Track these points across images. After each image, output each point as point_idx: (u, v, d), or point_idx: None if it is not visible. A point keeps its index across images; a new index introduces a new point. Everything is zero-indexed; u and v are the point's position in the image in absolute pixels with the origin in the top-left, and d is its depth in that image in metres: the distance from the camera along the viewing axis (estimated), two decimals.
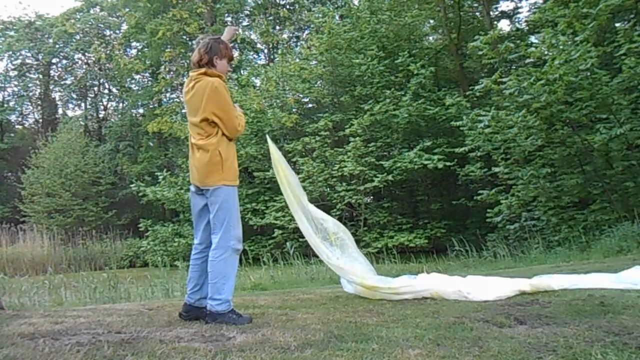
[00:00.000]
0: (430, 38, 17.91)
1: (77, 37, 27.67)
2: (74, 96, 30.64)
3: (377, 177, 12.80)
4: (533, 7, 15.12)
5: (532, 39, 13.82)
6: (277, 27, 23.64)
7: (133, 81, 27.11)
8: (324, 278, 7.47)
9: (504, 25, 18.30)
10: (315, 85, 16.88)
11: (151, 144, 24.73)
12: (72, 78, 30.02)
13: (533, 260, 7.98)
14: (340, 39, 15.06)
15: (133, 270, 13.94)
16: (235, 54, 27.44)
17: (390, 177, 12.80)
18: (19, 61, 28.88)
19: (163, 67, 14.75)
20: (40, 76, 29.72)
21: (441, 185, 15.98)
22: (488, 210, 11.09)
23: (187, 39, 20.02)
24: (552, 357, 2.25)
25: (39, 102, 30.38)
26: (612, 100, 8.87)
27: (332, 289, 5.11)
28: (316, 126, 14.59)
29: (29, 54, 29.05)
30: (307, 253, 10.91)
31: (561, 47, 8.69)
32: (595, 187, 9.65)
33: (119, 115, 28.15)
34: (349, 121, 14.28)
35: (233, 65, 3.40)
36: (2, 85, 29.12)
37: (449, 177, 14.59)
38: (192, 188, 3.38)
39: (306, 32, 24.43)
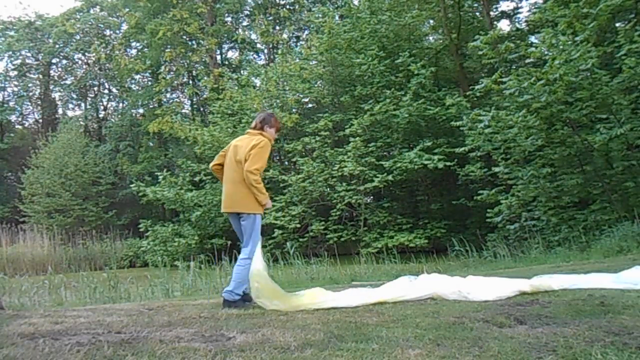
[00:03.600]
0: (430, 38, 17.89)
1: (77, 37, 27.69)
2: (74, 96, 30.65)
3: (377, 177, 12.80)
4: (533, 7, 15.13)
5: (532, 39, 13.81)
6: (277, 27, 23.64)
7: (133, 81, 27.12)
8: (324, 278, 7.47)
9: (504, 25, 18.32)
10: (315, 85, 16.87)
11: (151, 144, 24.74)
12: (72, 78, 30.03)
13: (533, 260, 7.99)
14: (340, 39, 15.04)
15: (133, 270, 13.94)
16: (235, 54, 27.25)
17: (390, 177, 12.79)
18: (19, 61, 28.88)
19: (163, 67, 14.76)
20: (40, 76, 29.72)
21: (441, 185, 15.97)
22: (488, 210, 11.08)
23: (187, 39, 20.05)
24: (552, 357, 2.25)
25: (39, 102, 30.38)
26: (612, 100, 8.87)
27: (332, 288, 5.10)
28: (316, 126, 14.58)
29: (29, 54, 29.06)
30: (307, 253, 10.93)
31: (561, 47, 8.69)
32: (595, 187, 9.65)
33: (119, 115, 28.16)
34: (349, 121, 14.27)
35: (278, 134, 4.64)
36: (2, 85, 29.13)
37: (449, 177, 14.58)
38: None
39: (306, 32, 24.44)
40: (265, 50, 26.18)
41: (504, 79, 9.85)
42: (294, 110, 16.26)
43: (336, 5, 21.49)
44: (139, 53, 24.39)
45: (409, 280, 4.35)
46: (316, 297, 3.82)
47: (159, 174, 16.80)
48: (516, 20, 17.44)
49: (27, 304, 6.73)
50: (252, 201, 4.04)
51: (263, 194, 4.07)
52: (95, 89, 30.45)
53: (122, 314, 3.58)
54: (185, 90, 24.85)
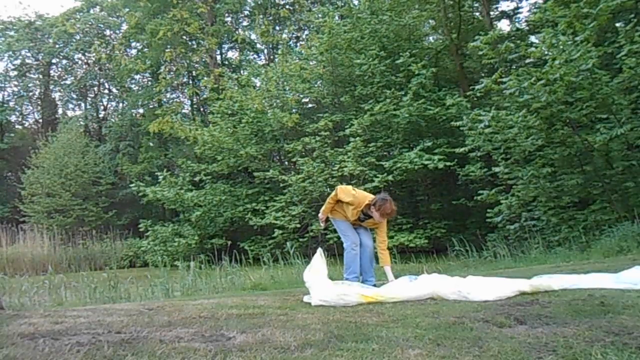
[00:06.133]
0: (431, 38, 17.88)
1: (77, 37, 27.69)
2: (74, 96, 30.65)
3: (377, 177, 12.79)
4: (533, 7, 15.11)
5: (532, 39, 13.80)
6: (277, 27, 23.63)
7: (133, 81, 27.13)
8: None
9: (504, 25, 18.30)
10: (315, 85, 16.86)
11: (151, 144, 24.74)
12: (72, 78, 30.03)
13: (533, 260, 7.98)
14: (341, 39, 15.04)
15: (133, 270, 13.94)
16: (235, 54, 27.14)
17: (390, 177, 12.79)
18: (19, 61, 28.88)
19: (163, 67, 14.74)
20: (40, 76, 29.72)
21: (441, 185, 15.96)
22: (488, 210, 11.08)
23: (187, 39, 20.03)
24: (552, 357, 2.25)
25: (39, 102, 30.38)
26: (612, 100, 8.86)
27: None
28: (316, 126, 14.57)
29: (29, 54, 29.06)
30: (307, 253, 10.90)
31: (561, 47, 8.69)
32: (595, 187, 9.64)
33: (119, 115, 28.17)
34: (349, 121, 14.26)
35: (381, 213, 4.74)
36: (2, 85, 29.13)
37: (449, 177, 14.57)
38: None
39: (306, 32, 24.43)
40: (265, 51, 26.17)
41: (504, 79, 9.84)
42: (294, 110, 16.25)
43: (336, 6, 21.50)
44: (139, 53, 24.38)
45: (409, 280, 4.35)
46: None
47: (159, 174, 16.79)
48: (516, 20, 17.41)
49: (27, 304, 6.73)
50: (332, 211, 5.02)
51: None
52: (95, 89, 30.45)
53: (122, 314, 3.58)
54: (186, 90, 24.85)
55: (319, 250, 4.54)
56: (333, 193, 4.92)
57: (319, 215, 5.07)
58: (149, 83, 24.74)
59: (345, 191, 4.89)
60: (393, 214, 4.78)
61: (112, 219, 21.54)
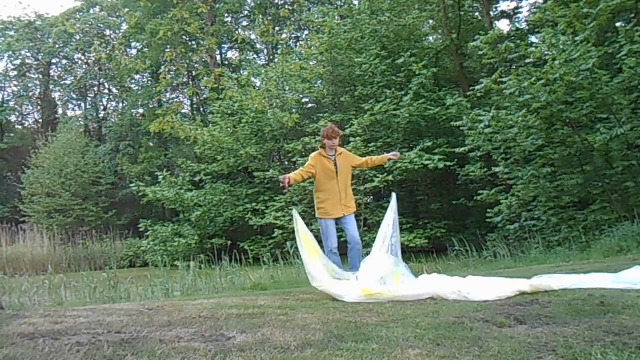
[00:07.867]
0: (431, 38, 17.88)
1: (77, 37, 27.70)
2: (74, 96, 30.66)
3: (378, 177, 12.79)
4: (533, 7, 15.11)
5: (533, 39, 13.80)
6: (277, 27, 23.64)
7: (133, 81, 27.13)
8: None
9: (504, 26, 18.30)
10: (316, 85, 16.86)
11: (151, 144, 24.76)
12: (72, 78, 30.04)
13: (533, 260, 7.98)
14: (341, 39, 15.04)
15: (133, 270, 13.95)
16: (235, 54, 27.08)
17: (390, 178, 12.78)
18: (19, 61, 28.89)
19: (163, 67, 14.74)
20: (40, 76, 29.73)
21: (441, 185, 15.96)
22: (488, 210, 11.08)
23: (188, 39, 20.03)
24: (552, 357, 2.25)
25: (39, 102, 30.39)
26: (613, 100, 8.86)
27: None
28: (316, 126, 14.57)
29: (29, 54, 29.07)
30: None
31: (561, 47, 8.69)
32: (595, 187, 9.64)
33: (119, 115, 28.18)
34: (350, 121, 14.26)
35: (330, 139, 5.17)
36: (2, 85, 29.14)
37: (449, 177, 14.57)
38: None
39: (306, 32, 24.44)
40: (265, 51, 26.18)
41: (504, 79, 9.84)
42: (294, 110, 16.25)
43: (336, 6, 21.50)
44: (139, 53, 24.39)
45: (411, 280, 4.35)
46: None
47: (159, 174, 16.80)
48: (516, 20, 17.41)
49: (27, 304, 6.74)
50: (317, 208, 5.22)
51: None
52: (95, 89, 30.47)
53: (122, 314, 3.58)
54: (185, 90, 24.85)
55: (295, 215, 4.64)
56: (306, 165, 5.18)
57: (283, 177, 5.23)
58: (149, 83, 24.75)
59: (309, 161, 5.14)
60: (335, 130, 5.11)
61: (112, 219, 21.55)
